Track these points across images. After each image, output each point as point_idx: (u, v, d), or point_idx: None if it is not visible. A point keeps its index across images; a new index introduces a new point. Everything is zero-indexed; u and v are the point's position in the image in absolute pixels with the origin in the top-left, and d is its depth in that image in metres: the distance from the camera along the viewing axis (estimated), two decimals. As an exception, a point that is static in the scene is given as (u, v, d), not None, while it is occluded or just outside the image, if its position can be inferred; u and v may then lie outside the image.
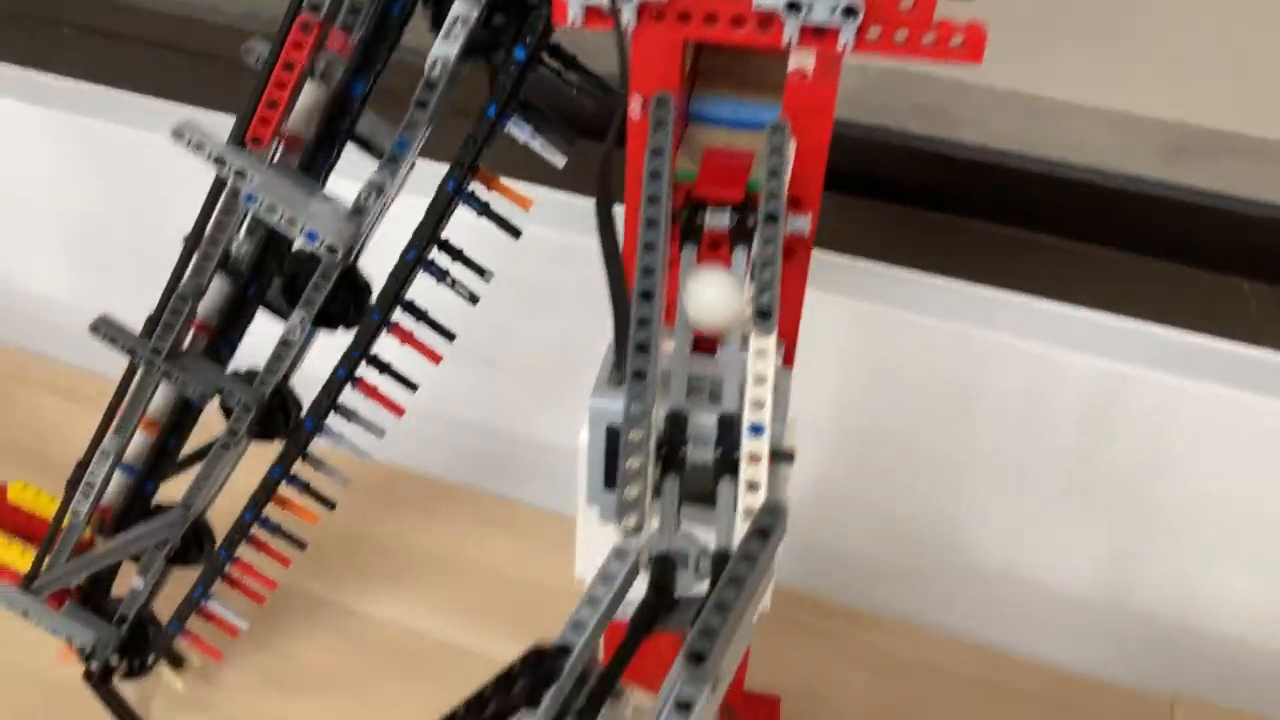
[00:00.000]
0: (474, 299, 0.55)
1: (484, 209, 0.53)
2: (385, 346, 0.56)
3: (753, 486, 0.36)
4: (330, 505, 0.64)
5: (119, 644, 0.66)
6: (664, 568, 0.36)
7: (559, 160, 0.52)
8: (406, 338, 0.54)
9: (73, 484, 0.60)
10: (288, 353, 0.53)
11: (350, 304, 0.53)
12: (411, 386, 0.58)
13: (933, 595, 0.81)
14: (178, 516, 0.58)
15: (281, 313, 0.57)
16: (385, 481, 0.85)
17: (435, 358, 0.55)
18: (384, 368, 0.56)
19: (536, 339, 0.86)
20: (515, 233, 0.54)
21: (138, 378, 0.55)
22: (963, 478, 0.79)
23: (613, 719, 0.33)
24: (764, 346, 0.38)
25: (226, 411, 0.57)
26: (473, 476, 0.87)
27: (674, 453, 0.39)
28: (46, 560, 0.64)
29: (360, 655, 0.75)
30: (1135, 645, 0.78)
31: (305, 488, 0.61)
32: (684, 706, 0.31)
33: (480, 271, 0.54)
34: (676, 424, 0.39)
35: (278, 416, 0.57)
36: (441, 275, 0.53)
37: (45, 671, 0.71)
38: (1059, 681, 0.73)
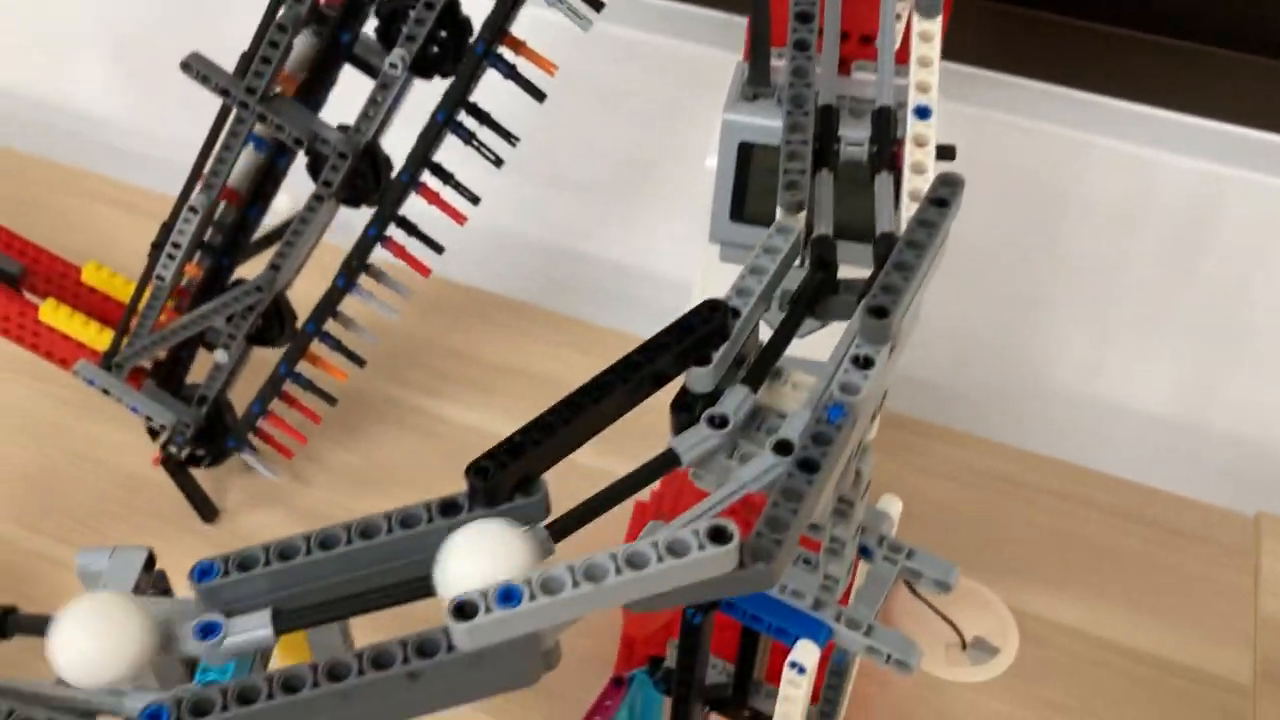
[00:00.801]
0: (499, 161, 0.54)
1: (510, 71, 0.52)
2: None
3: (919, 169, 0.35)
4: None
5: (198, 427, 0.65)
6: (825, 245, 0.34)
7: (586, 24, 0.50)
8: (470, 138, 0.53)
9: (157, 246, 0.59)
10: (385, 96, 0.51)
11: (451, 46, 0.50)
12: (474, 199, 0.56)
13: (1011, 415, 0.80)
14: (266, 279, 0.57)
15: (371, 69, 0.55)
16: (461, 298, 0.84)
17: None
18: (447, 177, 0.55)
19: (603, 154, 0.84)
20: (540, 96, 0.53)
21: (228, 126, 0.53)
22: (1047, 292, 0.77)
23: (774, 391, 0.32)
24: (929, 29, 0.35)
25: (314, 171, 0.56)
26: (545, 296, 0.86)
27: (827, 147, 0.37)
28: (126, 338, 0.64)
29: (436, 456, 0.74)
30: (1217, 465, 0.77)
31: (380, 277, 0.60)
32: (863, 362, 0.30)
33: (507, 136, 0.54)
34: (829, 120, 0.37)
35: (368, 178, 0.55)
36: (468, 138, 0.53)
37: (123, 464, 0.71)
38: (1140, 495, 0.72)
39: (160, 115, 1.03)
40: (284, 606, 0.26)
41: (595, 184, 0.86)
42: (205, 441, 0.67)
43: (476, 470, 0.27)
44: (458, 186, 0.55)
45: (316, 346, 0.63)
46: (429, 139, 0.53)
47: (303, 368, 0.64)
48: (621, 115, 0.82)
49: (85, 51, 1.02)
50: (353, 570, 0.27)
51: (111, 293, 0.67)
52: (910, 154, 0.35)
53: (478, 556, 0.25)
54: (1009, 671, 0.63)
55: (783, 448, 0.29)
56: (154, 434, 0.68)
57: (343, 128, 0.54)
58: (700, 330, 0.30)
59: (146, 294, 0.61)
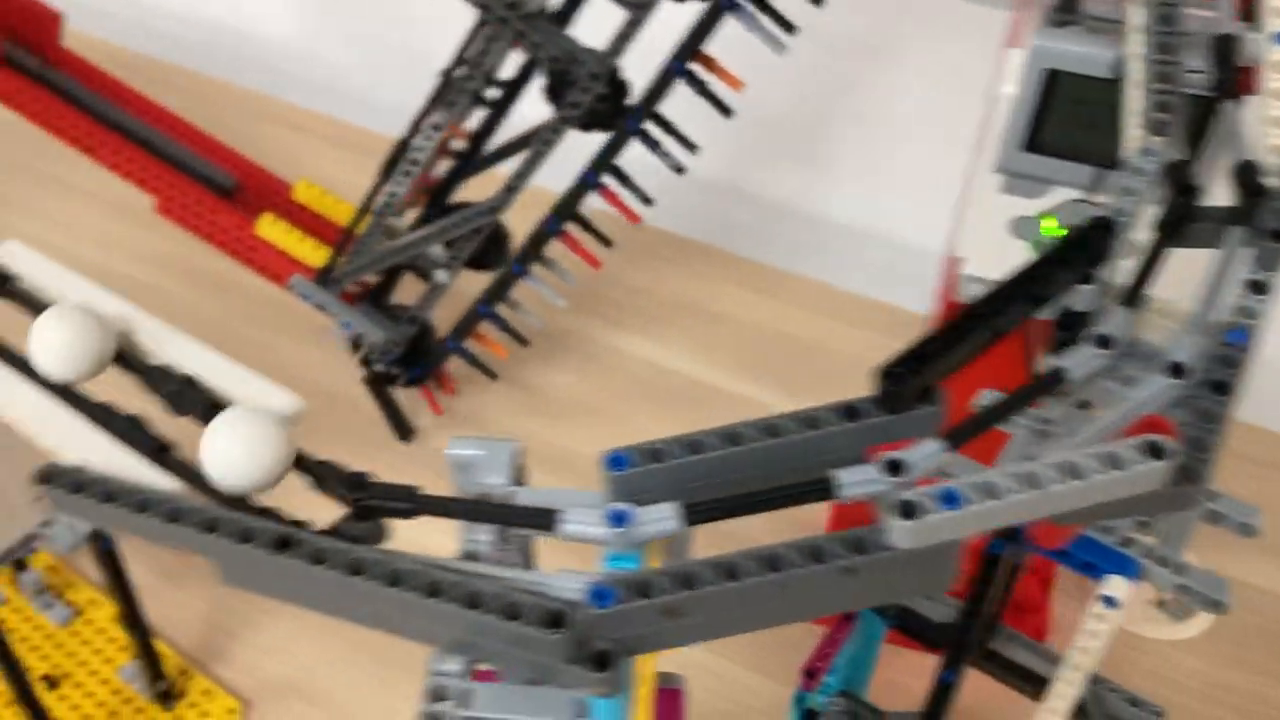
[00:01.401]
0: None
1: (701, 89, 0.55)
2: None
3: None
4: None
5: (407, 346, 0.66)
6: (1184, 171, 0.33)
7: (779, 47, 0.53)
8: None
9: (390, 164, 0.59)
10: (641, 17, 0.51)
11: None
12: (691, 147, 0.57)
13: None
14: (500, 200, 0.57)
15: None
16: (642, 236, 0.84)
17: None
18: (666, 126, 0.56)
19: (788, 100, 0.83)
20: (726, 111, 0.56)
21: (481, 38, 0.53)
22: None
23: (1139, 318, 0.31)
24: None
25: (553, 94, 0.56)
26: (719, 236, 0.86)
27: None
28: (343, 255, 0.64)
29: (614, 386, 0.75)
30: None
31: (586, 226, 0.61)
32: (1258, 288, 0.29)
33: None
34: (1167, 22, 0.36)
35: (609, 104, 0.55)
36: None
37: (319, 381, 0.72)
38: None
39: (325, 40, 1.04)
40: (689, 500, 0.27)
41: (774, 123, 0.85)
42: (406, 362, 0.68)
43: (886, 375, 0.27)
44: (678, 136, 0.55)
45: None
46: (661, 85, 0.53)
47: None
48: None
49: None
50: (754, 469, 0.27)
51: (322, 210, 0.68)
52: (1271, 80, 0.34)
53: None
54: (1213, 633, 0.63)
55: (1176, 370, 0.28)
56: (368, 360, 0.69)
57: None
58: (1092, 248, 0.29)
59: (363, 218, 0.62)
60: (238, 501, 0.28)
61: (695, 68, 0.54)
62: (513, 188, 0.57)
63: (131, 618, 0.53)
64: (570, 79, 0.53)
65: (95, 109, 0.68)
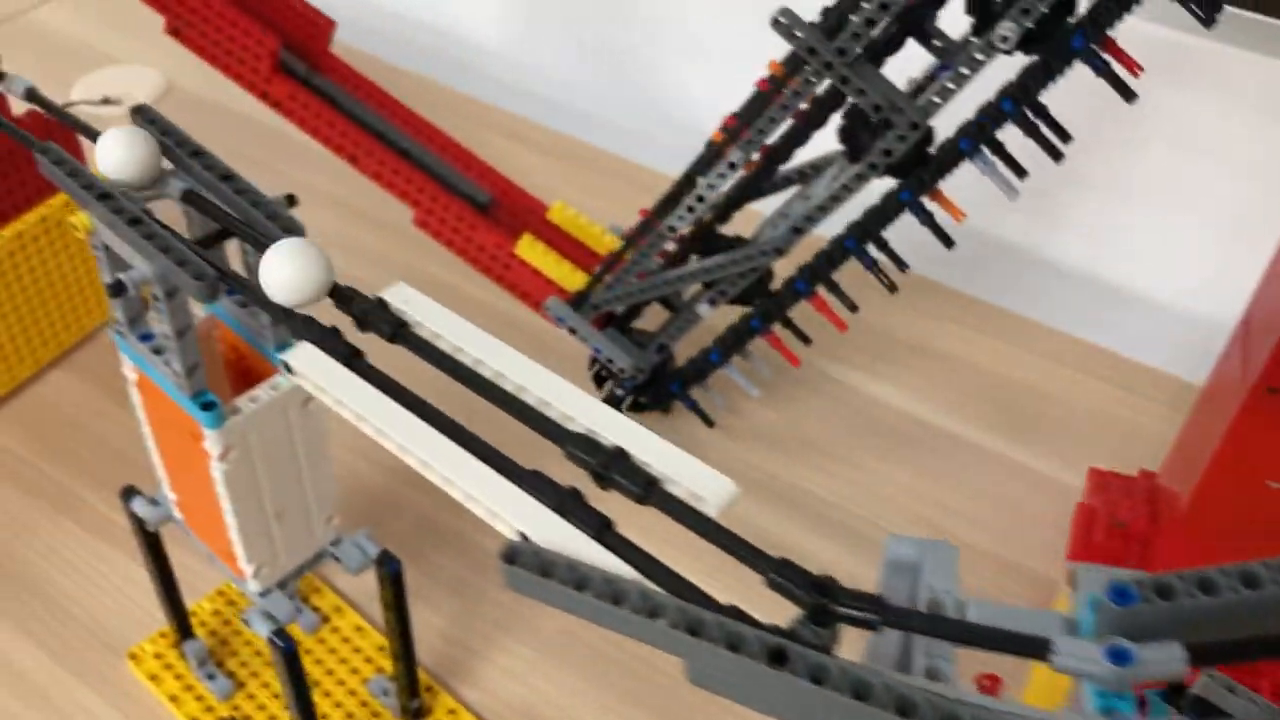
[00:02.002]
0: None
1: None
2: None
3: None
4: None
5: (651, 371, 0.66)
6: None
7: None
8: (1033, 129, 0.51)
9: (672, 198, 0.59)
10: (973, 69, 0.49)
11: (1049, 26, 0.48)
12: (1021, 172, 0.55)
13: None
14: (784, 240, 0.56)
15: (928, 40, 0.53)
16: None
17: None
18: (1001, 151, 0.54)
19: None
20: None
21: (796, 81, 0.52)
22: None
23: None
24: None
25: (848, 137, 0.54)
26: (960, 280, 0.83)
27: None
28: (602, 281, 0.64)
29: (839, 422, 0.74)
30: None
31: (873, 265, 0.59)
32: None
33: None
34: None
35: (915, 152, 0.53)
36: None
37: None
38: None
39: (544, 51, 1.03)
40: (1193, 639, 0.25)
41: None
42: (648, 388, 0.68)
43: None
44: (1008, 159, 0.53)
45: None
46: (990, 121, 0.51)
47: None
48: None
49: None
50: (1266, 615, 0.26)
51: (576, 233, 0.68)
52: None
53: None
54: None
55: None
56: (600, 379, 0.69)
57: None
58: None
59: (614, 246, 0.61)
60: (691, 588, 0.28)
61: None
62: (800, 230, 0.56)
63: (404, 638, 0.53)
64: (882, 126, 0.51)
65: (359, 117, 0.68)
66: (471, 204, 0.68)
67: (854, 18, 0.48)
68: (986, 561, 0.67)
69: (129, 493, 0.51)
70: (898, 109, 0.50)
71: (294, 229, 0.38)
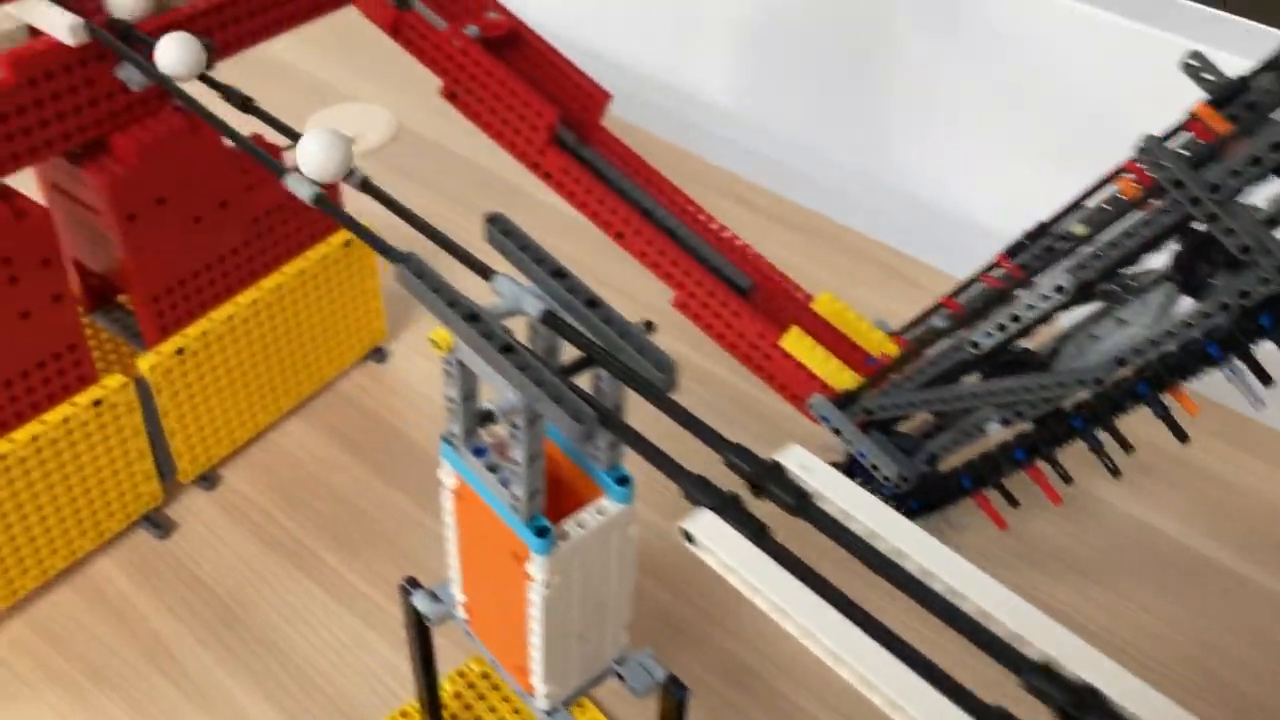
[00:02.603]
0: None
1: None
2: None
3: None
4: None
5: (915, 483, 0.62)
6: None
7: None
8: None
9: (976, 313, 0.55)
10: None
11: None
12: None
13: None
14: (1106, 369, 0.52)
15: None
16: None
17: None
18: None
19: None
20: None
21: (1149, 212, 0.48)
22: None
23: None
24: None
25: (1186, 268, 0.50)
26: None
27: None
28: (876, 387, 0.61)
29: (1100, 542, 0.69)
30: None
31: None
32: None
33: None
34: None
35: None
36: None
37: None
38: None
39: (779, 115, 1.01)
40: None
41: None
42: (908, 496, 0.64)
43: None
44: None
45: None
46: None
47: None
48: None
49: (712, 42, 1.01)
50: None
51: (842, 326, 0.65)
52: None
53: None
54: None
55: None
56: (851, 475, 0.65)
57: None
58: None
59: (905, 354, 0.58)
60: None
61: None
62: (1123, 361, 0.52)
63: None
64: (1239, 264, 0.47)
65: (626, 192, 0.66)
66: (733, 288, 0.66)
67: (1251, 157, 0.44)
68: (1256, 713, 0.62)
69: (411, 585, 0.50)
70: (1267, 251, 0.46)
71: (665, 365, 0.36)
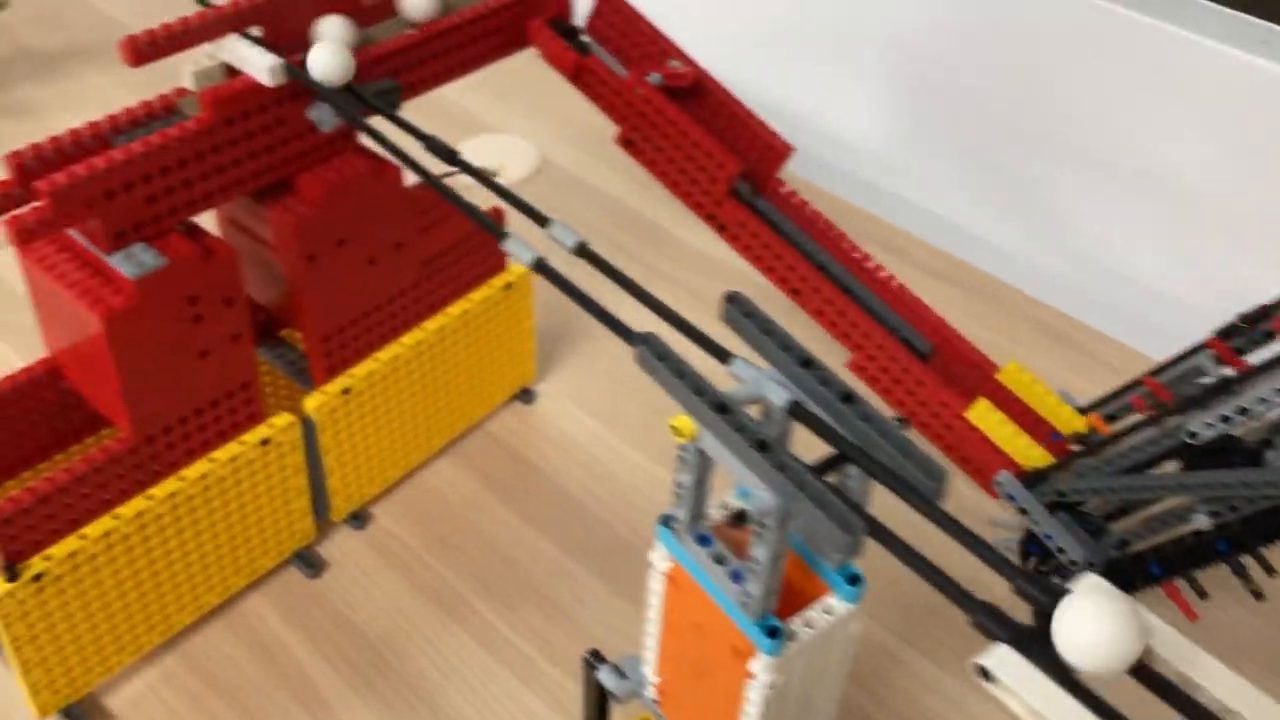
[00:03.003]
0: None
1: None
2: None
3: None
4: None
5: (1104, 566, 0.59)
6: None
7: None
8: None
9: (1193, 401, 0.52)
10: None
11: None
12: None
13: None
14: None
15: None
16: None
17: None
18: None
19: None
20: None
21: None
22: None
23: None
24: None
25: None
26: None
27: None
28: (1067, 468, 0.58)
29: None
30: None
31: None
32: None
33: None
34: None
35: None
36: None
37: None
38: None
39: (927, 161, 0.98)
40: None
41: None
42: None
43: None
44: None
45: None
46: None
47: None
48: None
49: (874, 89, 0.98)
50: None
51: (1028, 398, 0.62)
52: None
53: None
54: None
55: None
56: (1030, 554, 0.62)
57: None
58: None
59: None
60: None
61: None
62: (1365, 463, 0.48)
63: None
64: None
65: (802, 246, 0.64)
66: (914, 352, 0.63)
67: None
68: None
69: (596, 659, 0.48)
70: None
71: (935, 472, 0.34)
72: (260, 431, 0.61)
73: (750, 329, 0.38)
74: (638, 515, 0.71)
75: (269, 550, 0.65)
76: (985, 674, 0.29)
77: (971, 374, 0.64)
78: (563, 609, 0.66)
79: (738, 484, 0.37)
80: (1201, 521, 0.55)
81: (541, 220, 0.46)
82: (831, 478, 0.36)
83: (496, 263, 0.71)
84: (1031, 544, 0.62)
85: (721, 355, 0.38)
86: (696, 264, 0.90)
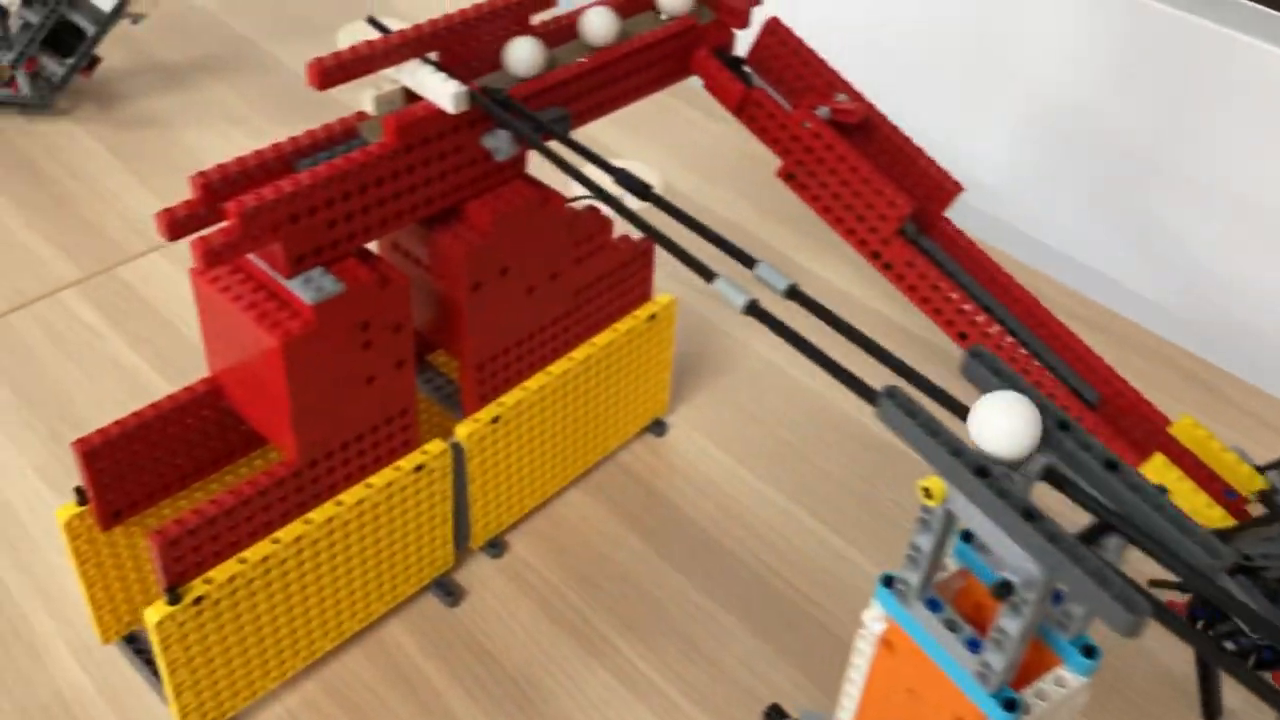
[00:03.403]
0: None
1: None
2: None
3: None
4: None
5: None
6: None
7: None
8: None
9: None
10: None
11: None
12: None
13: None
14: None
15: None
16: None
17: None
18: None
19: None
20: None
21: None
22: None
23: None
24: None
25: None
26: None
27: None
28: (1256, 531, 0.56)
29: None
30: None
31: None
32: None
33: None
34: None
35: None
36: None
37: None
38: None
39: (1070, 205, 0.96)
40: None
41: None
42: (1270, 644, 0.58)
43: None
44: None
45: None
46: None
47: None
48: None
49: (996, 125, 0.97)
50: None
51: (1204, 456, 0.60)
52: None
53: None
54: None
55: None
56: (1196, 618, 0.60)
57: None
58: None
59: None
60: None
61: None
62: None
63: None
64: None
65: (968, 288, 0.63)
66: (1082, 400, 0.61)
67: None
68: None
69: (777, 714, 0.46)
70: None
71: (1216, 550, 0.32)
72: (415, 458, 0.60)
73: (996, 385, 0.36)
74: (776, 556, 0.70)
75: (410, 577, 0.64)
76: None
77: (1142, 427, 0.62)
78: (704, 651, 0.65)
79: (959, 549, 0.36)
80: (1403, 595, 0.52)
81: (749, 261, 0.44)
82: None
83: (643, 293, 0.70)
84: (1199, 608, 0.60)
85: (961, 412, 0.36)
86: (825, 294, 0.88)
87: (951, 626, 0.37)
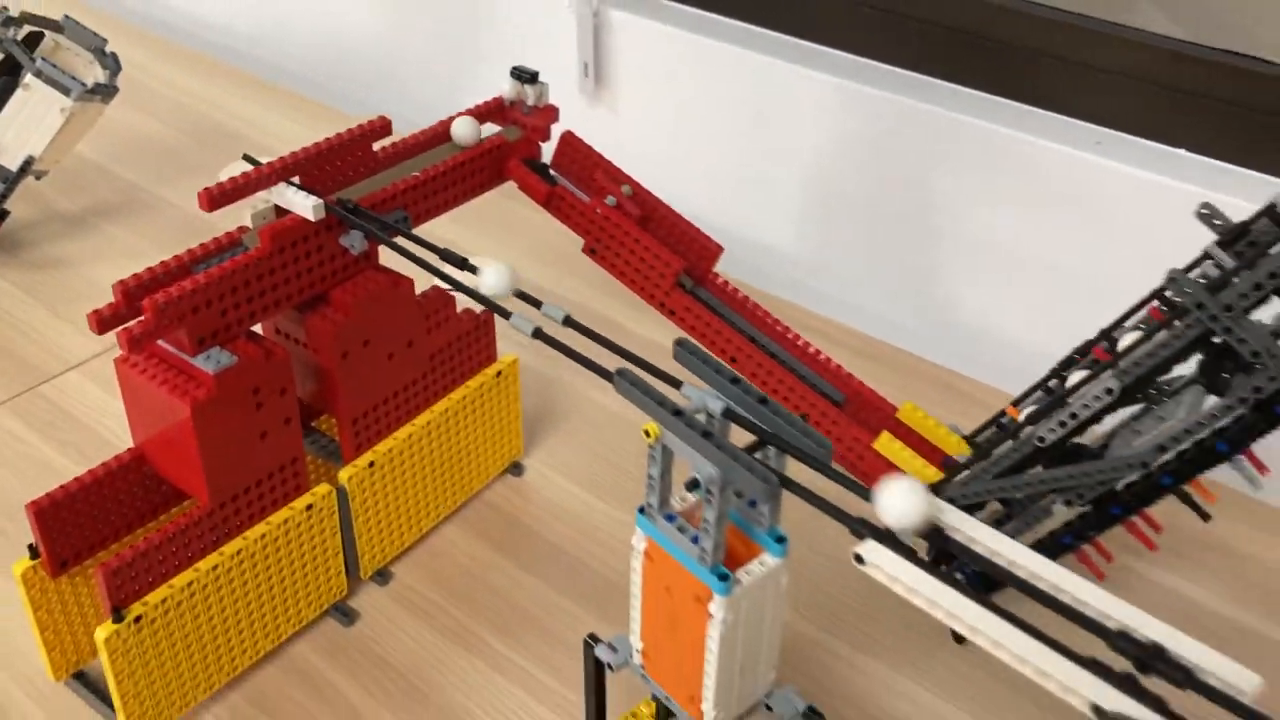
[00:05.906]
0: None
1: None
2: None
3: None
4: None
5: (993, 561, 0.74)
6: None
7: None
8: None
9: (1040, 414, 0.68)
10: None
11: None
12: None
13: None
14: (1151, 457, 0.64)
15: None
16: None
17: None
18: None
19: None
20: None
21: (1178, 326, 0.61)
22: None
23: None
24: None
25: (1211, 373, 0.63)
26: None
27: None
28: (957, 476, 0.73)
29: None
30: None
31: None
32: None
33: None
34: None
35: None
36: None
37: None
38: None
39: (839, 259, 1.16)
40: None
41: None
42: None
43: None
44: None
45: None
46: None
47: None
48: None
49: (785, 201, 1.17)
50: None
51: (923, 432, 0.78)
52: None
53: None
54: None
55: None
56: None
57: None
58: None
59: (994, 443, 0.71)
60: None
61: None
62: (1165, 449, 0.64)
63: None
64: (1253, 367, 0.60)
65: (736, 324, 0.80)
66: (830, 400, 0.79)
67: (1237, 280, 0.58)
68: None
69: (593, 640, 0.61)
70: (1274, 355, 0.58)
71: (824, 443, 0.49)
72: (305, 499, 0.75)
73: (694, 362, 0.53)
74: (617, 558, 0.85)
75: (312, 602, 0.78)
76: (859, 559, 0.44)
77: (876, 415, 0.79)
78: (560, 637, 0.79)
79: (690, 472, 0.52)
80: (1060, 510, 0.70)
81: (535, 303, 0.61)
82: (758, 457, 0.51)
83: (489, 355, 0.86)
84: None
85: (674, 383, 0.53)
86: (645, 348, 1.05)
87: (682, 530, 0.53)
